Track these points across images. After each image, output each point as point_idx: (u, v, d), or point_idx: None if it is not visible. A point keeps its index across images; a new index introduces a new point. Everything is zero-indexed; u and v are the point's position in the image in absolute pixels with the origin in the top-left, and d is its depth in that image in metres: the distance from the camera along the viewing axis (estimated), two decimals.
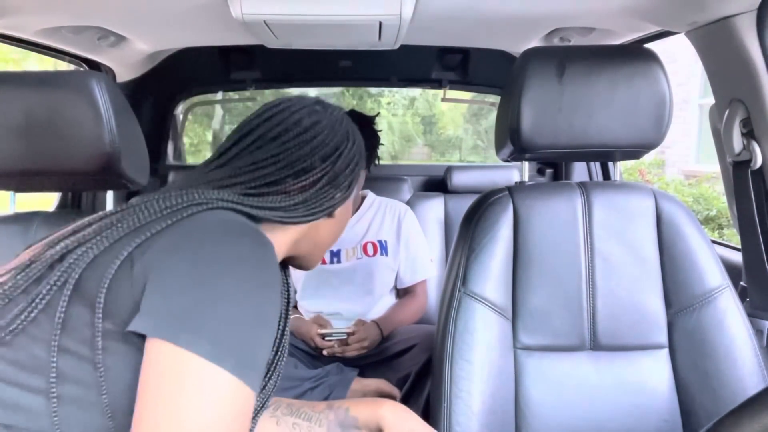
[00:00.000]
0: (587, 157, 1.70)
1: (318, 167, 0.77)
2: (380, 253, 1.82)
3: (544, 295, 1.07)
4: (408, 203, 2.07)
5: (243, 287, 0.58)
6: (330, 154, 0.79)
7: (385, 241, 1.83)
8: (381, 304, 1.80)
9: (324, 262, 1.81)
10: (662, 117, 1.06)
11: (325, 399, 1.50)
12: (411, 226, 1.88)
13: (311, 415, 0.87)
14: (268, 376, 0.74)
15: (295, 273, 1.84)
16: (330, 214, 0.82)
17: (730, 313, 1.04)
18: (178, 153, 2.63)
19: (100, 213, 0.68)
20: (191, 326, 0.55)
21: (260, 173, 0.74)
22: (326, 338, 1.66)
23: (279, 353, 0.74)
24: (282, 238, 0.78)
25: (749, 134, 1.03)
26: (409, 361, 1.55)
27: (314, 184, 0.77)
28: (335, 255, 1.82)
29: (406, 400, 1.47)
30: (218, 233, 0.62)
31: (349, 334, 1.65)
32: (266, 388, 0.74)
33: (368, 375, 1.59)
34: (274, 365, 0.74)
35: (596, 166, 2.17)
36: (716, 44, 1.07)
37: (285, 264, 0.85)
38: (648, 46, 1.22)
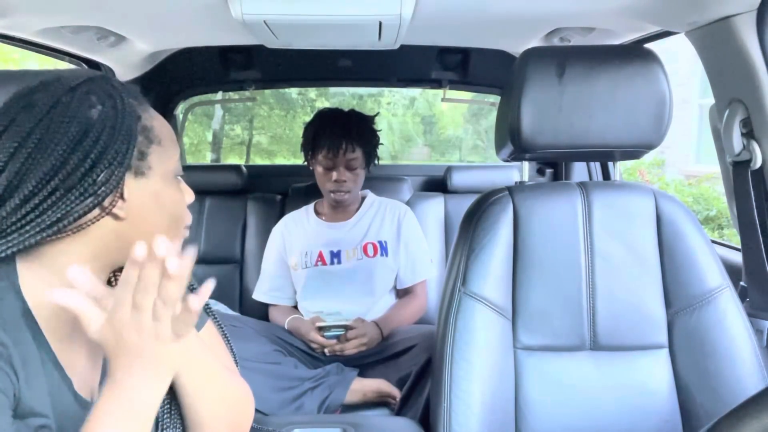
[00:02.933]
0: (587, 157, 1.70)
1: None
2: (380, 254, 1.82)
3: (544, 295, 1.07)
4: (408, 203, 2.07)
5: None
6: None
7: (385, 242, 1.83)
8: (381, 305, 1.80)
9: (324, 263, 1.81)
10: (662, 117, 1.06)
11: (325, 399, 1.50)
12: (411, 226, 1.88)
13: None
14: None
15: (295, 274, 1.84)
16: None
17: (730, 313, 1.04)
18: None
19: None
20: None
21: None
22: (324, 333, 1.65)
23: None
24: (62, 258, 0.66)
25: (749, 134, 1.03)
26: (409, 361, 1.55)
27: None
28: (335, 255, 1.82)
29: (406, 400, 1.47)
30: None
31: (347, 328, 1.65)
32: None
33: (368, 375, 1.59)
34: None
35: (596, 166, 2.17)
36: (716, 44, 1.07)
37: None
38: (648, 46, 1.22)
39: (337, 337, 1.66)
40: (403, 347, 1.61)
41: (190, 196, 0.77)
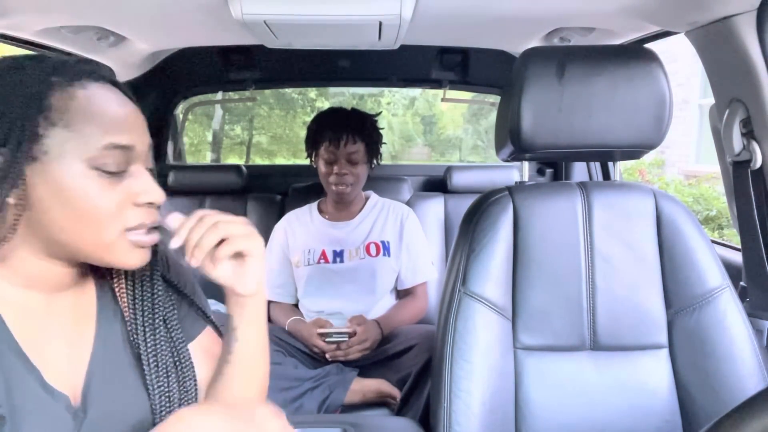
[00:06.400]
0: (587, 157, 1.70)
1: None
2: (383, 254, 1.82)
3: (544, 295, 1.07)
4: (408, 203, 2.07)
5: None
6: None
7: (388, 242, 1.84)
8: (381, 304, 1.80)
9: (327, 261, 1.81)
10: (662, 117, 1.06)
11: (325, 399, 1.50)
12: (413, 228, 1.88)
13: None
14: None
15: (297, 271, 1.84)
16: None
17: (730, 313, 1.04)
18: (178, 153, 2.63)
19: None
20: None
21: None
22: (326, 339, 1.66)
23: None
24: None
25: (749, 134, 1.03)
26: (409, 361, 1.55)
27: None
28: (338, 255, 1.82)
29: (406, 400, 1.47)
30: None
31: (349, 335, 1.65)
32: None
33: (368, 375, 1.59)
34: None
35: (596, 166, 2.17)
36: (716, 44, 1.07)
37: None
38: (648, 46, 1.22)
39: (339, 343, 1.66)
40: (403, 347, 1.61)
41: (145, 195, 0.67)
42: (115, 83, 0.69)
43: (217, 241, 0.68)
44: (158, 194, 0.67)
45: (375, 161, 1.88)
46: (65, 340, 0.69)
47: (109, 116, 0.64)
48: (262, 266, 0.73)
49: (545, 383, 1.06)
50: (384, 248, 1.83)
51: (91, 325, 0.72)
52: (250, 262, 0.71)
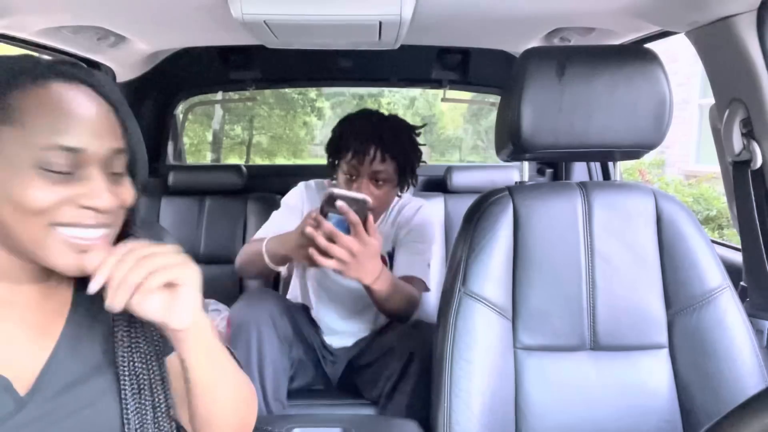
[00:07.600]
0: (587, 157, 1.70)
1: None
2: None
3: (544, 295, 1.07)
4: None
5: None
6: None
7: (391, 252, 1.75)
8: (382, 318, 1.69)
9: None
10: (662, 117, 1.06)
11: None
12: (418, 225, 1.69)
13: None
14: None
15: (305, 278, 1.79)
16: None
17: (730, 313, 1.04)
18: (178, 153, 2.64)
19: None
20: None
21: None
22: (329, 213, 1.27)
23: None
24: None
25: (749, 134, 1.03)
26: (385, 367, 1.47)
27: None
28: None
29: (390, 396, 1.44)
30: None
31: (362, 202, 1.26)
32: None
33: (358, 374, 1.58)
34: None
35: (596, 166, 2.17)
36: (716, 44, 1.07)
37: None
38: (648, 46, 1.22)
39: (345, 228, 1.26)
40: (377, 355, 1.53)
41: (85, 199, 0.64)
42: (91, 84, 0.67)
43: (144, 277, 0.63)
44: (103, 201, 0.64)
45: (410, 182, 1.57)
46: (25, 331, 0.69)
47: (60, 116, 0.63)
48: (198, 296, 0.67)
49: (545, 383, 1.06)
50: (389, 259, 1.67)
51: (60, 322, 0.72)
52: (183, 292, 0.65)
